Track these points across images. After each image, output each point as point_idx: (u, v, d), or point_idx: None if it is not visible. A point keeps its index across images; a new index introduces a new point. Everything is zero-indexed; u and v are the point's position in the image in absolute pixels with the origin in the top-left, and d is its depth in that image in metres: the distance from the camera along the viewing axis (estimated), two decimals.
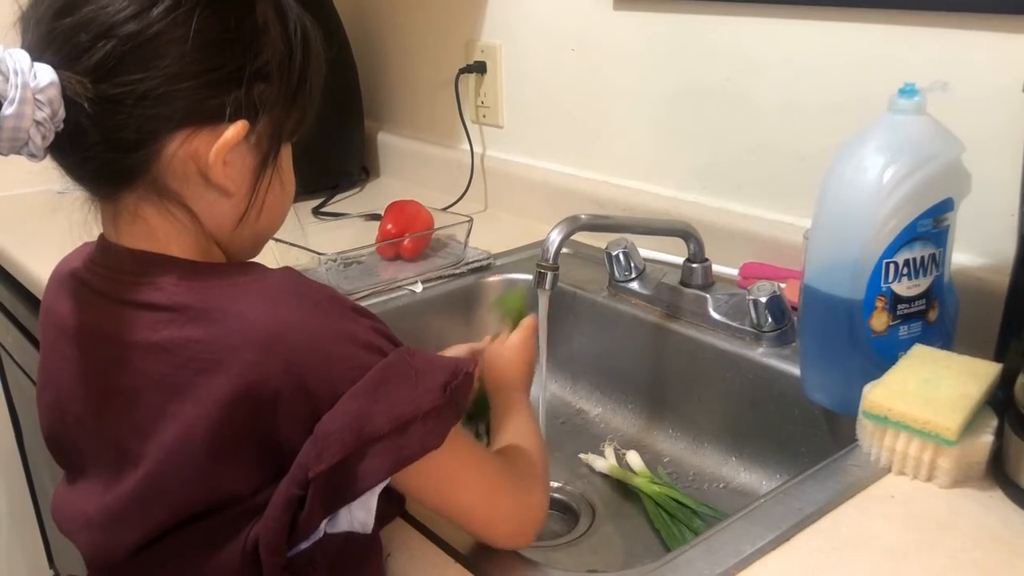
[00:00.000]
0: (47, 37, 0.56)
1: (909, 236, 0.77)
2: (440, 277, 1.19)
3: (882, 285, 0.78)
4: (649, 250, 1.15)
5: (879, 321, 0.79)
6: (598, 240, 1.21)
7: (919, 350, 0.79)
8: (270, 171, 0.64)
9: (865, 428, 0.75)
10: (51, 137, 0.54)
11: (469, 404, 0.83)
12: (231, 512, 0.58)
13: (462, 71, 1.46)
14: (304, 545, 0.59)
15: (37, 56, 0.53)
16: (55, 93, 0.53)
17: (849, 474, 0.74)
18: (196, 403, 0.56)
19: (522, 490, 0.67)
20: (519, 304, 0.91)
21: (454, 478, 0.62)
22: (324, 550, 0.60)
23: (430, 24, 1.56)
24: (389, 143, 1.69)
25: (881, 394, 0.73)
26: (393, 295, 1.14)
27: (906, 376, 0.75)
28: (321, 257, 1.10)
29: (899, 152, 0.76)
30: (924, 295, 0.80)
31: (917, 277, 0.79)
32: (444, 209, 1.39)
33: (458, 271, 1.20)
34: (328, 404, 0.56)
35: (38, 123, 0.52)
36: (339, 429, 0.55)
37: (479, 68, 1.45)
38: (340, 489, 0.56)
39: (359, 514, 0.61)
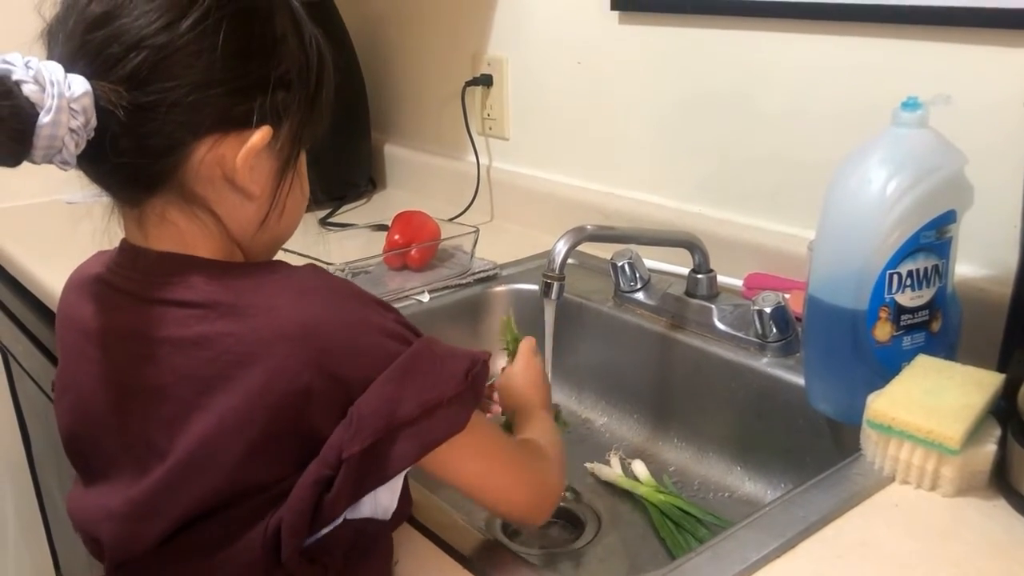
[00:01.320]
0: (79, 50, 0.58)
1: (912, 247, 0.78)
2: (447, 287, 1.20)
3: (886, 296, 0.79)
4: (654, 260, 1.16)
5: (883, 331, 0.80)
6: (603, 251, 1.22)
7: (923, 360, 0.80)
8: (291, 175, 0.67)
9: (869, 438, 0.75)
10: (83, 145, 0.56)
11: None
12: (256, 500, 0.59)
13: (468, 84, 1.47)
14: (323, 532, 0.60)
15: (68, 68, 0.55)
16: (89, 102, 0.55)
17: (853, 483, 0.74)
18: (230, 395, 0.58)
19: (537, 470, 0.71)
20: (510, 333, 0.94)
21: (473, 458, 0.65)
22: (339, 540, 0.61)
23: (437, 37, 1.57)
24: (396, 155, 1.71)
25: (885, 404, 0.74)
26: (400, 305, 1.15)
27: (910, 386, 0.76)
28: (329, 267, 1.11)
29: (902, 165, 0.77)
30: (927, 306, 0.81)
31: (920, 288, 0.80)
32: (450, 220, 1.40)
33: (464, 281, 1.21)
34: (360, 392, 0.58)
35: (72, 131, 0.54)
36: (371, 413, 0.57)
37: (485, 81, 1.46)
38: (371, 472, 0.59)
39: (383, 498, 0.63)
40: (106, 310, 0.66)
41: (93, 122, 0.56)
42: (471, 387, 0.62)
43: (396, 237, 1.22)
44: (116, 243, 0.67)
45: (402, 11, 1.63)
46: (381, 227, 1.31)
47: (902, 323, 0.80)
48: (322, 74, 0.67)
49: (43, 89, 0.53)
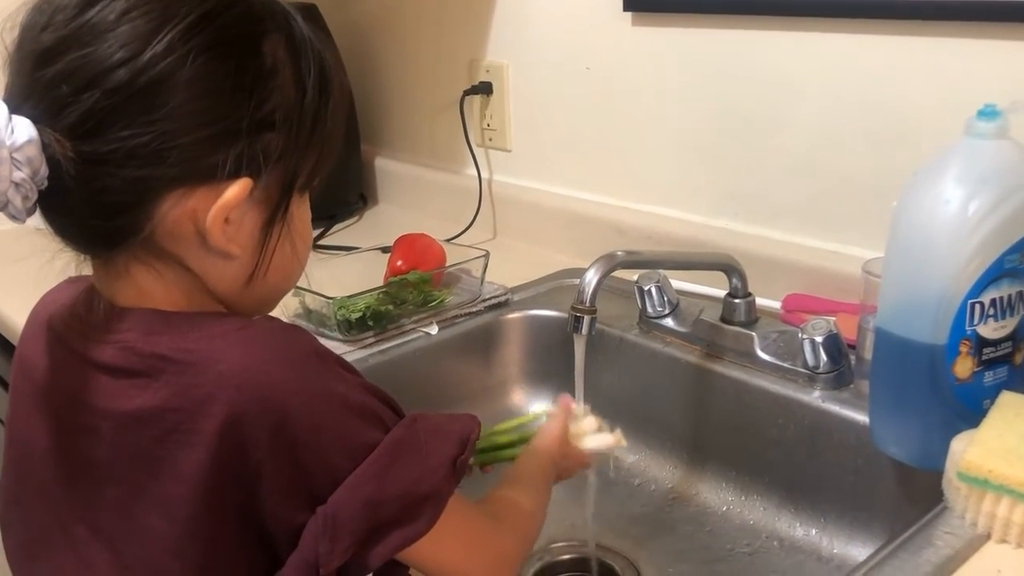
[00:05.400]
0: (28, 88, 0.51)
1: (996, 273, 0.70)
2: (456, 316, 1.10)
3: (967, 328, 0.70)
4: (681, 282, 1.07)
5: (963, 367, 0.71)
6: (626, 271, 1.13)
7: (1009, 399, 0.71)
8: (279, 228, 0.58)
9: (959, 491, 0.67)
10: (34, 197, 0.49)
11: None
12: None
13: (467, 92, 1.37)
14: None
15: (17, 106, 0.48)
16: (35, 151, 0.47)
17: (945, 543, 0.66)
18: (177, 480, 0.52)
19: (496, 540, 0.64)
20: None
21: (436, 537, 0.56)
22: None
23: (429, 43, 1.47)
24: (387, 168, 1.61)
25: (979, 454, 0.65)
26: (406, 339, 1.06)
27: (1002, 431, 0.68)
28: (331, 301, 1.01)
29: (983, 181, 0.69)
30: (1011, 337, 0.72)
31: (1004, 318, 0.71)
32: (451, 240, 1.30)
33: (475, 309, 1.11)
34: (321, 477, 0.52)
35: (16, 184, 0.47)
36: (350, 518, 0.52)
37: (484, 89, 1.37)
38: (347, 574, 0.54)
39: None
40: (54, 368, 0.59)
41: (44, 171, 0.48)
42: (456, 475, 0.57)
43: (399, 263, 1.12)
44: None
45: (392, 16, 1.53)
46: (384, 249, 1.21)
47: (984, 357, 0.72)
48: (323, 107, 0.57)
49: None
